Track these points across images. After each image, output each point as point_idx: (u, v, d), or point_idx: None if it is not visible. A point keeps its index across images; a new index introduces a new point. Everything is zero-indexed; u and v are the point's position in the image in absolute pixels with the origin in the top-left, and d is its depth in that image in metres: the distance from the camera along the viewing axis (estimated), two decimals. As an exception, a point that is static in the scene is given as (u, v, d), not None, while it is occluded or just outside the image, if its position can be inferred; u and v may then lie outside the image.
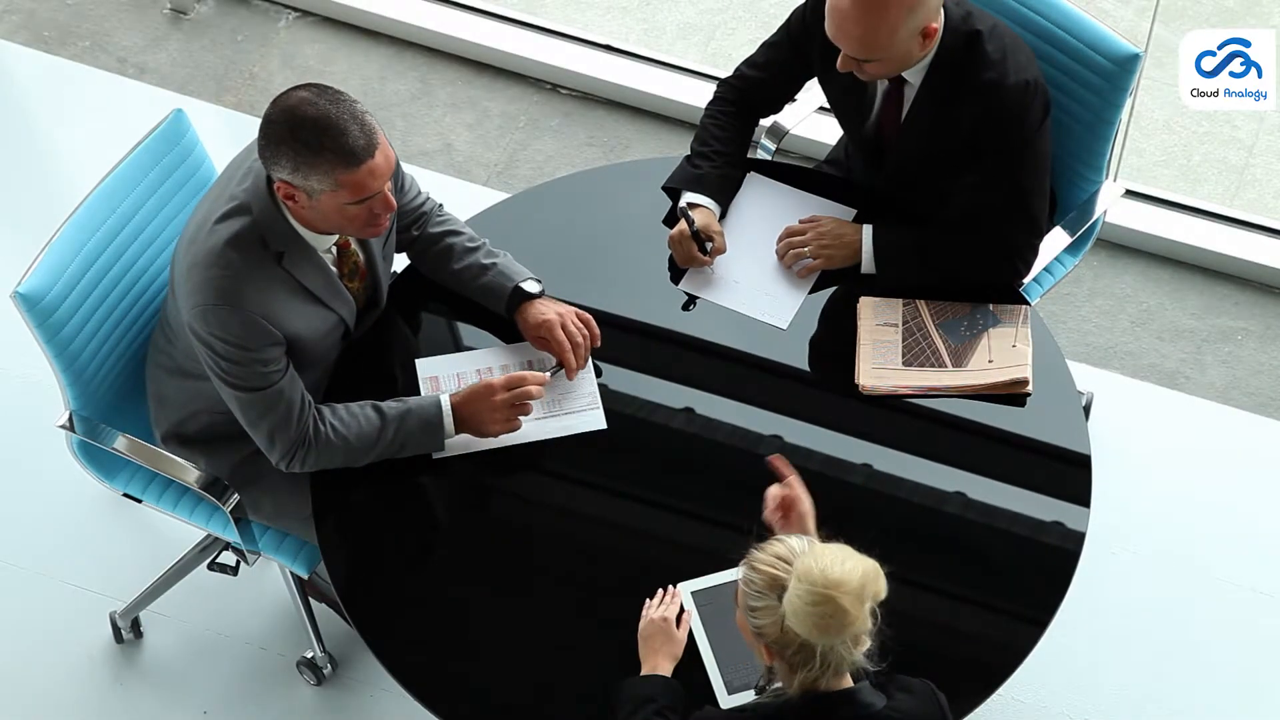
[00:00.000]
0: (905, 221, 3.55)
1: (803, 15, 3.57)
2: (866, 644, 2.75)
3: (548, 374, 3.40)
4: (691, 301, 3.53)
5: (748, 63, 3.69)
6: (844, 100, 3.58)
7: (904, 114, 3.50)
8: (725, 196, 3.61)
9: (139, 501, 3.67)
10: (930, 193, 3.58)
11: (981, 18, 3.41)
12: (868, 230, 3.52)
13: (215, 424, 3.48)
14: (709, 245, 3.53)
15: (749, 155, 3.74)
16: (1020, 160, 3.43)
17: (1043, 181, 3.49)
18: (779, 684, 2.82)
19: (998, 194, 3.45)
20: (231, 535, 3.57)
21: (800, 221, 3.59)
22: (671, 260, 3.58)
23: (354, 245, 3.39)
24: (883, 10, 3.26)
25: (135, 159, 3.51)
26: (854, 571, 2.68)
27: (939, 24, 3.34)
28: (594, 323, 3.45)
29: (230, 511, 3.48)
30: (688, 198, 3.57)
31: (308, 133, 3.10)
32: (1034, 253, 3.52)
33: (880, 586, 2.71)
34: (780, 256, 3.56)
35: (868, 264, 3.52)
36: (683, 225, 3.52)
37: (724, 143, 3.63)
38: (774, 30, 3.67)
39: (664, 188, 3.62)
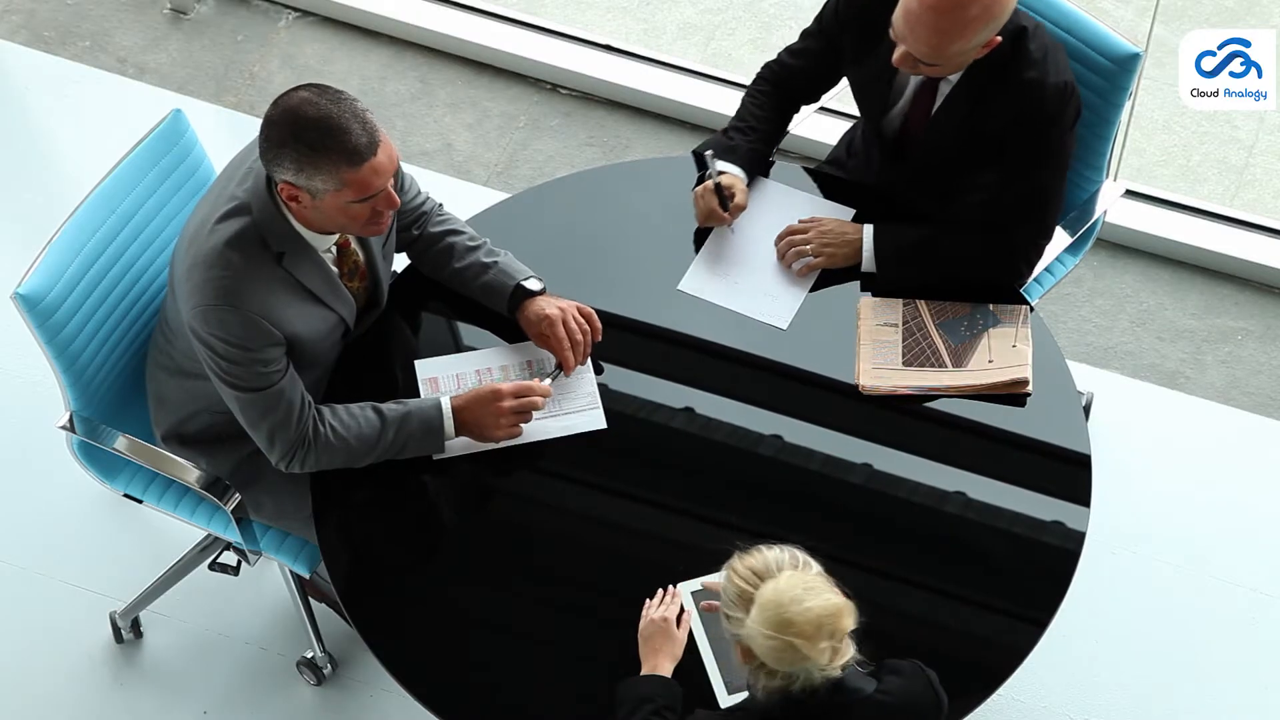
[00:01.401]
0: (907, 220, 3.55)
1: (835, 4, 3.57)
2: (843, 659, 2.74)
3: (549, 379, 3.40)
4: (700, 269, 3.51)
5: (788, 49, 3.70)
6: (870, 88, 3.56)
7: (935, 108, 3.49)
8: (754, 169, 3.62)
9: (139, 502, 3.67)
10: (943, 188, 3.56)
11: (1024, 16, 3.41)
12: (868, 229, 3.52)
13: (216, 424, 3.48)
14: (730, 203, 3.53)
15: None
16: (1046, 160, 3.43)
17: (1061, 185, 3.49)
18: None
19: (1017, 191, 3.44)
20: (233, 535, 3.57)
21: (800, 221, 3.59)
22: (670, 259, 3.57)
23: (354, 245, 3.39)
24: (961, 27, 3.26)
25: (134, 159, 3.51)
26: (808, 613, 2.68)
27: (1000, 38, 3.35)
28: (595, 317, 3.45)
29: (231, 511, 3.48)
30: (717, 164, 3.58)
31: (311, 133, 3.10)
32: (1039, 254, 3.52)
33: (842, 625, 2.70)
34: (781, 255, 3.56)
35: (868, 262, 3.52)
36: (708, 181, 3.53)
37: (760, 120, 3.65)
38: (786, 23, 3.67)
39: (694, 152, 3.62)
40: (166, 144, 3.56)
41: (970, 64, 3.39)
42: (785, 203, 3.65)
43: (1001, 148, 3.43)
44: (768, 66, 3.71)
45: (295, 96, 3.13)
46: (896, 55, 3.35)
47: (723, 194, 3.53)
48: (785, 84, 3.69)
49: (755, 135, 3.63)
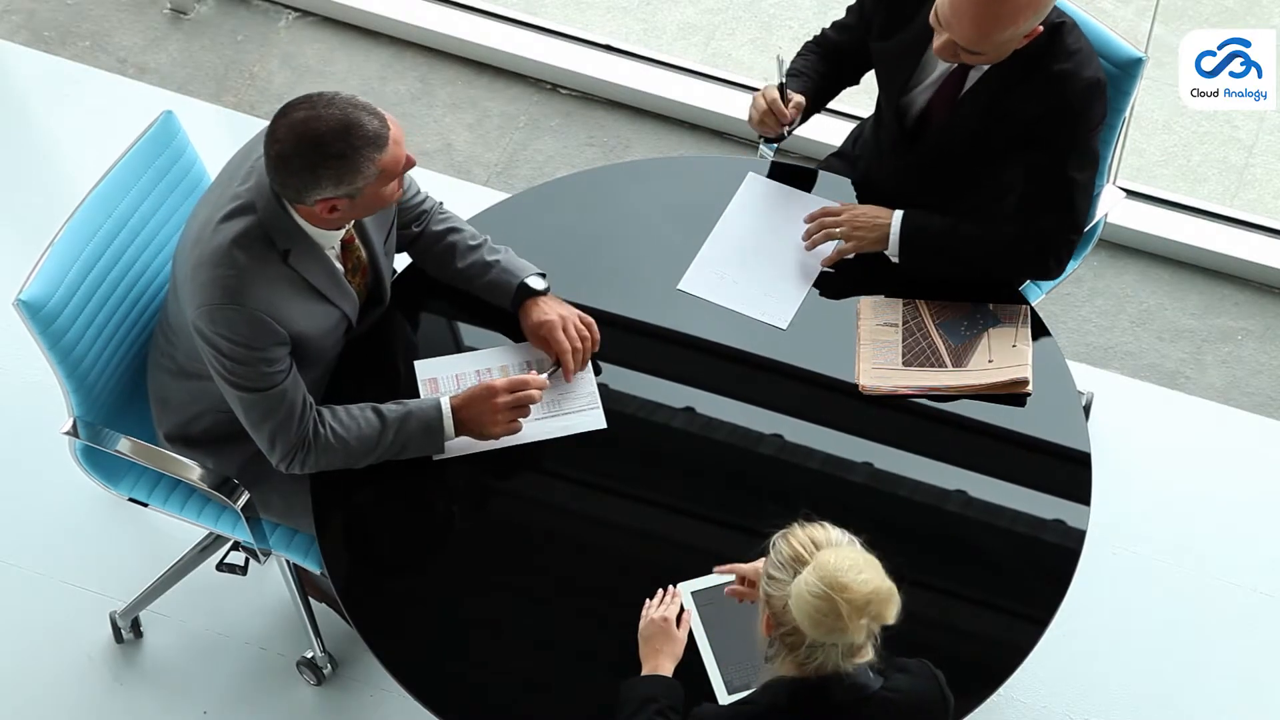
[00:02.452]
0: (936, 211, 3.53)
1: None
2: (864, 658, 2.75)
3: (547, 375, 3.40)
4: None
5: (834, 24, 3.71)
6: (895, 64, 3.55)
7: (963, 92, 3.48)
8: (812, 99, 3.63)
9: (145, 506, 3.66)
10: (956, 177, 3.55)
11: (1061, 12, 3.40)
12: (898, 215, 3.50)
13: (220, 424, 3.47)
14: (790, 103, 3.53)
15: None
16: (1074, 154, 3.41)
17: (1091, 180, 3.46)
18: (776, 671, 2.82)
19: (1045, 185, 3.43)
20: (242, 534, 3.57)
21: (841, 205, 3.58)
22: (670, 259, 3.57)
23: (357, 241, 3.39)
24: (1010, 14, 3.26)
25: (127, 162, 3.51)
26: (865, 584, 2.68)
27: (1042, 26, 3.34)
28: (595, 327, 3.45)
29: (241, 509, 3.47)
30: (785, 75, 3.59)
31: (335, 144, 3.10)
32: (1070, 249, 3.48)
33: (887, 611, 2.70)
34: (808, 236, 3.54)
35: (893, 248, 3.50)
36: (773, 83, 3.54)
37: (812, 70, 3.66)
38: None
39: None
40: (159, 146, 3.56)
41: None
42: (785, 203, 3.65)
43: (1026, 140, 3.42)
44: (813, 38, 3.73)
45: (294, 120, 3.12)
46: (938, 44, 3.33)
47: (784, 91, 3.53)
48: (827, 55, 3.70)
49: (808, 80, 3.65)
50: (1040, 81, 3.37)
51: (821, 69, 3.69)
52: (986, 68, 3.42)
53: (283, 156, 3.12)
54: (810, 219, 3.57)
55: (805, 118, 3.65)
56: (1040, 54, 3.36)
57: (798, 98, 3.56)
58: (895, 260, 3.51)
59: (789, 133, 3.58)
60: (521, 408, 3.34)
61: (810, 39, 3.74)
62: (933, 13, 3.33)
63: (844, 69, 3.72)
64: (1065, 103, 3.37)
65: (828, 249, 3.55)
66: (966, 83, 3.46)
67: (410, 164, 3.23)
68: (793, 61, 3.70)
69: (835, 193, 3.66)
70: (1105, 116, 3.45)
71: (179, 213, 3.61)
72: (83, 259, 3.43)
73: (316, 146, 3.10)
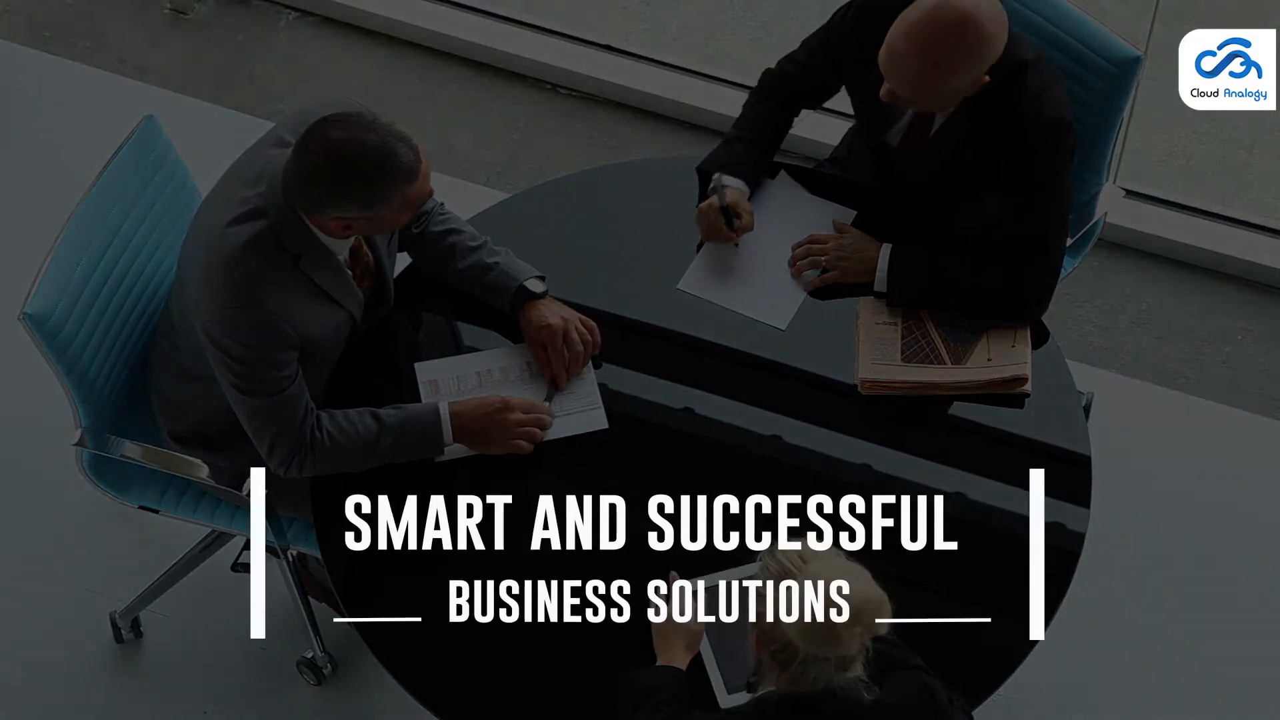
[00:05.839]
0: (926, 246, 3.52)
1: (842, 21, 3.56)
2: (854, 672, 2.74)
3: (547, 400, 3.40)
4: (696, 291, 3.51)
5: (790, 58, 3.70)
6: (870, 106, 3.55)
7: (931, 133, 3.49)
8: (757, 179, 3.62)
9: (156, 512, 3.64)
10: (934, 209, 3.56)
11: (1026, 48, 3.39)
12: (886, 250, 3.50)
13: (234, 422, 3.45)
14: (736, 222, 3.52)
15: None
16: (1043, 195, 3.41)
17: (1063, 219, 3.47)
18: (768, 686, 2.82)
19: (1018, 228, 3.43)
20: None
21: (836, 226, 3.58)
22: (670, 259, 3.57)
23: (365, 246, 3.39)
24: (943, 68, 3.27)
25: (114, 169, 3.50)
26: (857, 595, 2.68)
27: (989, 77, 3.33)
28: (598, 330, 3.45)
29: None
30: (720, 178, 3.57)
31: (368, 171, 3.10)
32: (1049, 292, 3.48)
33: (879, 617, 2.70)
34: (793, 262, 3.55)
35: (880, 283, 3.50)
36: (713, 199, 3.52)
37: (761, 130, 3.64)
38: (792, 29, 3.67)
39: (697, 169, 3.62)
40: (144, 151, 3.56)
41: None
42: (786, 203, 3.65)
43: (996, 179, 3.42)
44: (768, 74, 3.71)
45: (331, 138, 3.11)
46: (883, 90, 3.35)
47: (729, 215, 3.52)
48: (784, 92, 3.69)
49: (756, 145, 3.62)
50: (1005, 125, 3.37)
51: (771, 117, 3.66)
52: (952, 109, 3.42)
53: (312, 171, 3.12)
54: (798, 246, 3.57)
55: (762, 172, 3.64)
56: (1004, 97, 3.35)
57: (744, 219, 3.53)
58: (882, 292, 3.51)
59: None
60: (530, 430, 3.34)
61: (765, 75, 3.71)
62: (879, 56, 3.33)
63: (800, 103, 3.71)
64: (1031, 145, 3.37)
65: (812, 274, 3.55)
66: (934, 125, 3.47)
67: (429, 195, 3.24)
68: (743, 110, 3.67)
69: (834, 192, 3.66)
70: (1074, 152, 3.44)
71: (169, 215, 3.61)
72: (81, 267, 3.42)
73: (349, 169, 3.10)
